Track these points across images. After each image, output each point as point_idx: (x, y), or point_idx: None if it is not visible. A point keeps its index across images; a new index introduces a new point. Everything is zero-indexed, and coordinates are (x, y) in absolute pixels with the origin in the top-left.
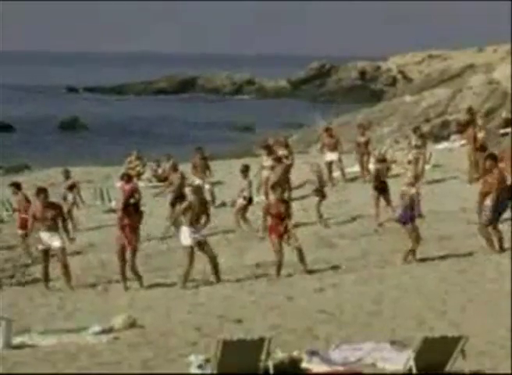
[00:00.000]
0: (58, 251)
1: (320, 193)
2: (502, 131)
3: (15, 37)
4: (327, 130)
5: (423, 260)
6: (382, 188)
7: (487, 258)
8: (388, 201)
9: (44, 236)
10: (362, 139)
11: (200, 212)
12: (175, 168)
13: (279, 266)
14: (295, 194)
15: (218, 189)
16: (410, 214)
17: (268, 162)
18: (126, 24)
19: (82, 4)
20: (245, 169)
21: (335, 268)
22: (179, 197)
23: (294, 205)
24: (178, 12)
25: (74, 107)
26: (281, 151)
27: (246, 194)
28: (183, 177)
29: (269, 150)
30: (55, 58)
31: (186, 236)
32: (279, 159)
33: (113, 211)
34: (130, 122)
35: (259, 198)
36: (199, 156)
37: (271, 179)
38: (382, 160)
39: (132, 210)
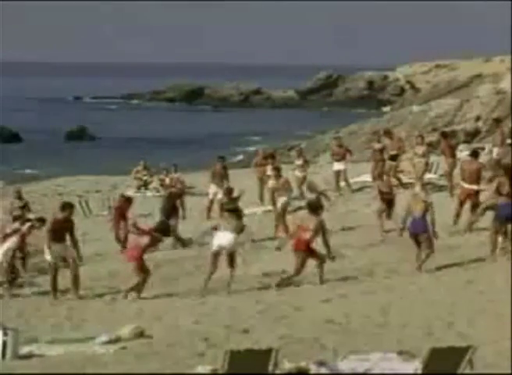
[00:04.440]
0: (72, 261)
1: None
2: (509, 141)
3: (16, 47)
4: (335, 139)
5: (431, 270)
6: (387, 200)
7: (495, 269)
8: (389, 215)
9: (57, 247)
10: (377, 146)
11: None
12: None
13: (291, 277)
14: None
15: None
16: (422, 224)
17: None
18: (130, 33)
19: (82, 13)
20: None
21: (342, 278)
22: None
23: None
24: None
25: (81, 117)
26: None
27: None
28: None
29: (273, 158)
30: (60, 68)
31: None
32: (277, 169)
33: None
34: (138, 131)
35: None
36: (220, 165)
37: (269, 185)
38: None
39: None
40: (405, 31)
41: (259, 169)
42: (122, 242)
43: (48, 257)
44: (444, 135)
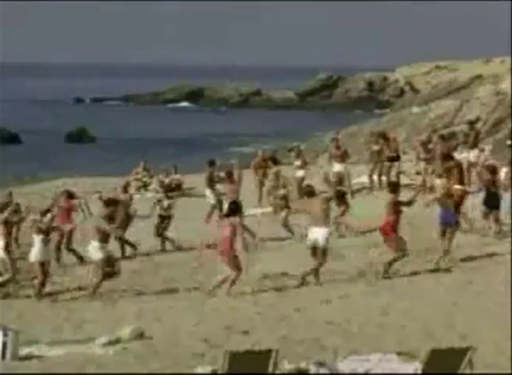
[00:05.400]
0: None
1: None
2: (509, 142)
3: (17, 48)
4: (334, 140)
5: (431, 271)
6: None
7: (495, 269)
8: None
9: (106, 246)
10: (375, 147)
11: None
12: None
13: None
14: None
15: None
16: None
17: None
18: (134, 34)
19: (84, 13)
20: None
21: (342, 279)
22: None
23: (302, 217)
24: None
25: (81, 118)
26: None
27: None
28: None
29: (274, 161)
30: (58, 69)
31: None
32: (277, 173)
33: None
34: (137, 133)
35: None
36: (212, 170)
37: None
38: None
39: None
40: (405, 32)
41: (258, 170)
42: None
43: (99, 255)
44: (443, 138)
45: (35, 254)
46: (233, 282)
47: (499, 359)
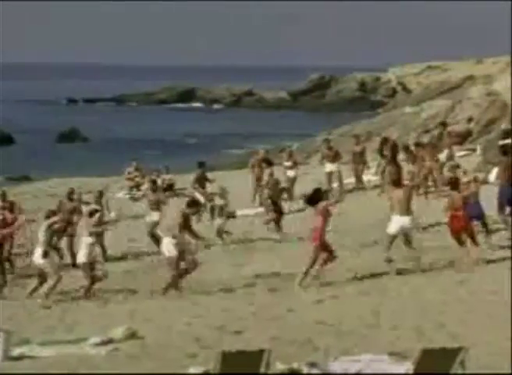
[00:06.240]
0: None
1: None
2: (501, 143)
3: (14, 48)
4: (326, 141)
5: (423, 271)
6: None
7: (487, 269)
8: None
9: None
10: (357, 149)
11: None
12: None
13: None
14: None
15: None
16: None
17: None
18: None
19: (81, 15)
20: None
21: (334, 279)
22: None
23: (293, 218)
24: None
25: (74, 119)
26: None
27: None
28: None
29: (268, 162)
30: (53, 69)
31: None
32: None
33: (114, 221)
34: (130, 133)
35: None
36: (202, 171)
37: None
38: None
39: None
40: (397, 32)
41: (256, 169)
42: None
43: (175, 252)
44: (418, 144)
45: (84, 255)
46: (325, 263)
47: (492, 360)
